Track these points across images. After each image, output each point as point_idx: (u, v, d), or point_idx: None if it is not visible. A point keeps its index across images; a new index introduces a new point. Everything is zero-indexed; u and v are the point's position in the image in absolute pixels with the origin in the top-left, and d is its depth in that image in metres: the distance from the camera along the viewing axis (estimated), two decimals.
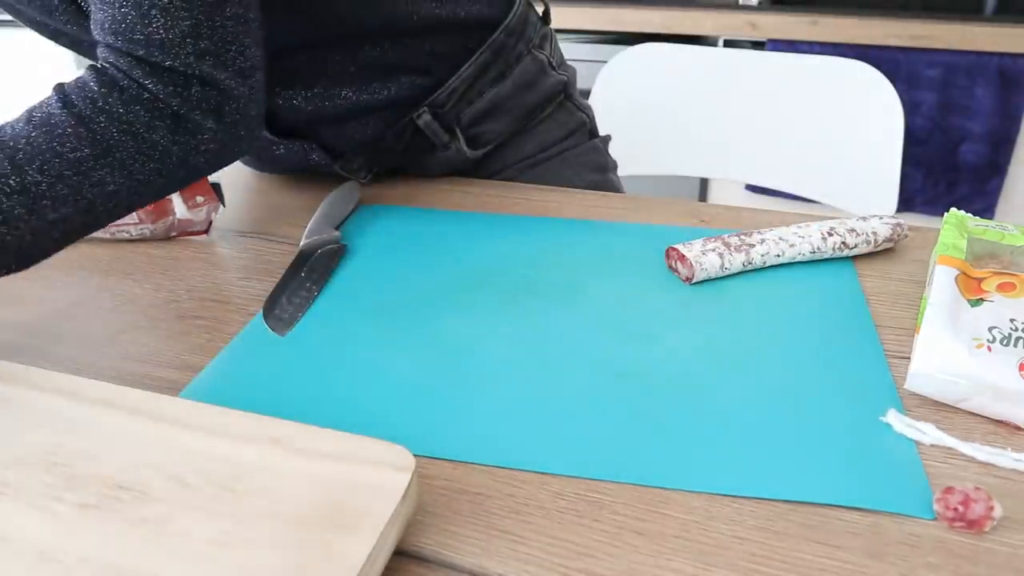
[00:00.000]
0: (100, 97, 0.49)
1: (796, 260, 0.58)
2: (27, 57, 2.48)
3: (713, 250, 0.57)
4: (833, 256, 0.59)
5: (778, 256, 0.58)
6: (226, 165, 0.56)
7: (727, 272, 0.57)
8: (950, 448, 0.41)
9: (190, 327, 0.54)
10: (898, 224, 0.61)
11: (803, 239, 0.58)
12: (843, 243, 0.59)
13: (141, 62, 0.49)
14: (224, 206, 0.67)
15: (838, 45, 1.56)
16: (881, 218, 0.61)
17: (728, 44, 1.66)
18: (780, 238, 0.58)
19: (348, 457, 0.35)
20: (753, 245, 0.58)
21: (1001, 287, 0.47)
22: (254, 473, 0.34)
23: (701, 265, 0.56)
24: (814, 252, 0.58)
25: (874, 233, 0.60)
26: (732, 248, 0.57)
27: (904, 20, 1.52)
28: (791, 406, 0.45)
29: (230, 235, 0.67)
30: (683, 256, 0.57)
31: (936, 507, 0.37)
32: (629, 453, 0.41)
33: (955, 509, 0.37)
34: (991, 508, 0.36)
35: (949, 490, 0.37)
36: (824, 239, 0.58)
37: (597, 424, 0.43)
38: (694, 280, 0.57)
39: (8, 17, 2.58)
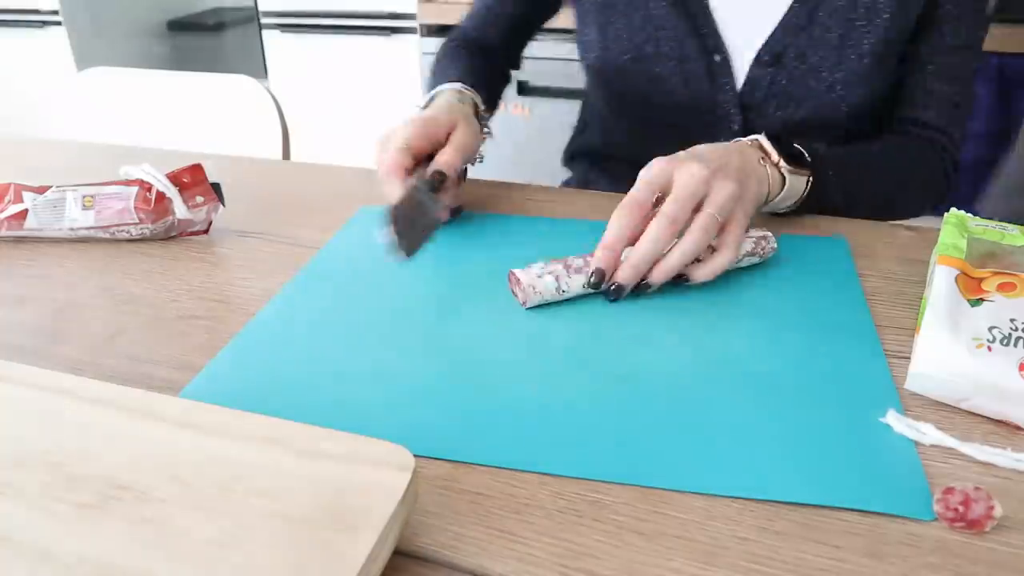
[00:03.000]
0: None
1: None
2: (27, 57, 2.48)
3: (551, 273, 0.53)
4: (688, 285, 0.55)
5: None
6: None
7: (564, 296, 0.54)
8: (950, 448, 0.41)
9: (190, 327, 0.54)
10: (763, 236, 0.58)
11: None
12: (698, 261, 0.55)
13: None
14: (224, 206, 0.67)
15: None
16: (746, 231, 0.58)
17: None
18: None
19: (348, 457, 0.35)
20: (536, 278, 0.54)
21: (1001, 287, 0.47)
22: (254, 473, 0.34)
23: (535, 288, 0.53)
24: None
25: None
26: (572, 270, 0.54)
27: None
28: (791, 406, 0.45)
29: (230, 235, 0.67)
30: (518, 280, 0.54)
31: (936, 507, 0.37)
32: (629, 454, 0.41)
33: (955, 509, 0.37)
34: (991, 508, 0.36)
35: (949, 490, 0.37)
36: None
37: (597, 424, 0.43)
38: (528, 305, 0.54)
39: (8, 17, 2.57)
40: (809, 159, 0.65)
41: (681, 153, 0.57)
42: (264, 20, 2.17)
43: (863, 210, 0.73)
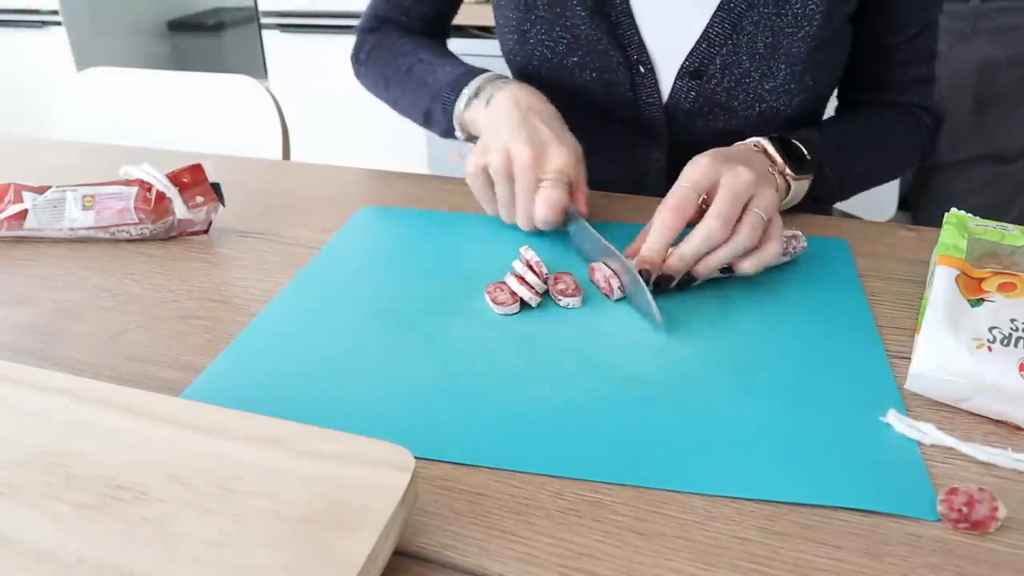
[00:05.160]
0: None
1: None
2: (27, 57, 2.48)
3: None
4: (717, 277, 0.56)
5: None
6: None
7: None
8: (951, 448, 0.41)
9: (190, 327, 0.54)
10: (793, 236, 0.59)
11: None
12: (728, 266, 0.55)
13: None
14: (224, 206, 0.67)
15: None
16: None
17: None
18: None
19: (348, 457, 0.35)
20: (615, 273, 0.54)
21: (1001, 287, 0.47)
22: (254, 473, 0.34)
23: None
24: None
25: None
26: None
27: None
28: (792, 407, 0.45)
29: (230, 235, 0.67)
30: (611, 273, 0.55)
31: (940, 508, 0.37)
32: (630, 455, 0.41)
33: (959, 510, 0.36)
34: (995, 509, 0.36)
35: (953, 491, 0.37)
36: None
37: (598, 425, 0.43)
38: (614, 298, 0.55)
39: (7, 17, 2.57)
40: (809, 157, 0.65)
41: (717, 154, 0.57)
42: (264, 20, 2.17)
43: (853, 190, 0.74)
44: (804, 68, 0.70)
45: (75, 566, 0.31)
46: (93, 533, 0.32)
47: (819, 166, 0.65)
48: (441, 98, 0.71)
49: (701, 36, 0.71)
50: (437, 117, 0.73)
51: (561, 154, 0.60)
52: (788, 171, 0.62)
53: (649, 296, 0.51)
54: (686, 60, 0.72)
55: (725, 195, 0.53)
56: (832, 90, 0.80)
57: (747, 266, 0.55)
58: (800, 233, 0.60)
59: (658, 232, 0.54)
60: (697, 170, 0.55)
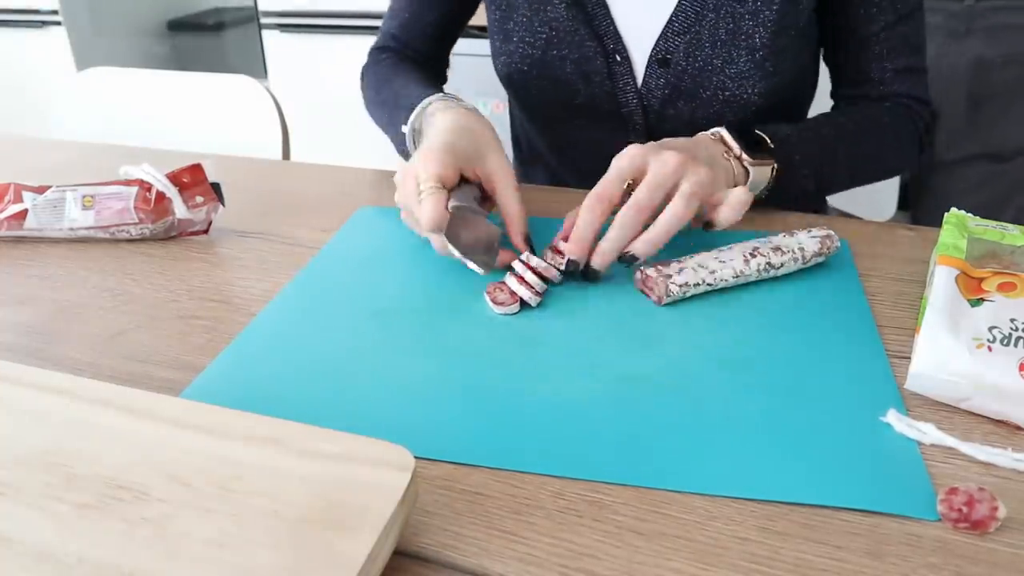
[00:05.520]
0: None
1: (718, 286, 0.55)
2: (27, 57, 2.48)
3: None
4: (760, 278, 0.56)
5: (697, 285, 0.54)
6: None
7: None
8: (951, 448, 0.41)
9: (190, 327, 0.54)
10: (827, 236, 0.58)
11: (724, 264, 0.55)
12: (768, 264, 0.56)
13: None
14: (224, 206, 0.67)
15: None
16: (809, 231, 0.59)
17: None
18: (699, 265, 0.55)
19: (348, 457, 0.35)
20: (670, 276, 0.54)
21: (1001, 287, 0.47)
22: (254, 473, 0.34)
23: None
24: (737, 277, 0.55)
25: (801, 249, 0.57)
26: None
27: None
28: (792, 407, 0.45)
29: (230, 235, 0.67)
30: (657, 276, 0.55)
31: (940, 508, 0.37)
32: (630, 455, 0.41)
33: (959, 510, 0.36)
34: (995, 509, 0.36)
35: (953, 491, 0.37)
36: (747, 262, 0.55)
37: (598, 425, 0.43)
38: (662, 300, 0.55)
39: (7, 17, 2.57)
40: (772, 145, 0.65)
41: (652, 143, 0.58)
42: (264, 20, 2.17)
43: (838, 186, 0.74)
44: (765, 54, 0.71)
45: (75, 566, 0.31)
46: (93, 533, 0.32)
47: (787, 157, 0.66)
48: (396, 133, 0.72)
49: (667, 24, 0.72)
50: (399, 147, 0.73)
51: (424, 163, 0.57)
52: (745, 156, 0.62)
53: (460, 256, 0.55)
54: (654, 48, 0.73)
55: (646, 182, 0.55)
56: (804, 83, 0.80)
57: (724, 217, 0.57)
58: (833, 233, 0.59)
59: (582, 222, 0.55)
60: (624, 159, 0.56)
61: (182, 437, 0.37)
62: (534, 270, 0.54)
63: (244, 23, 2.39)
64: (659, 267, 0.55)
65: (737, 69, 0.71)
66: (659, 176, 0.54)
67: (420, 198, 0.56)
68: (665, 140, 0.59)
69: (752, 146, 0.64)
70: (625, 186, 0.56)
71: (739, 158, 0.63)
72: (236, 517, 0.32)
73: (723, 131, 0.64)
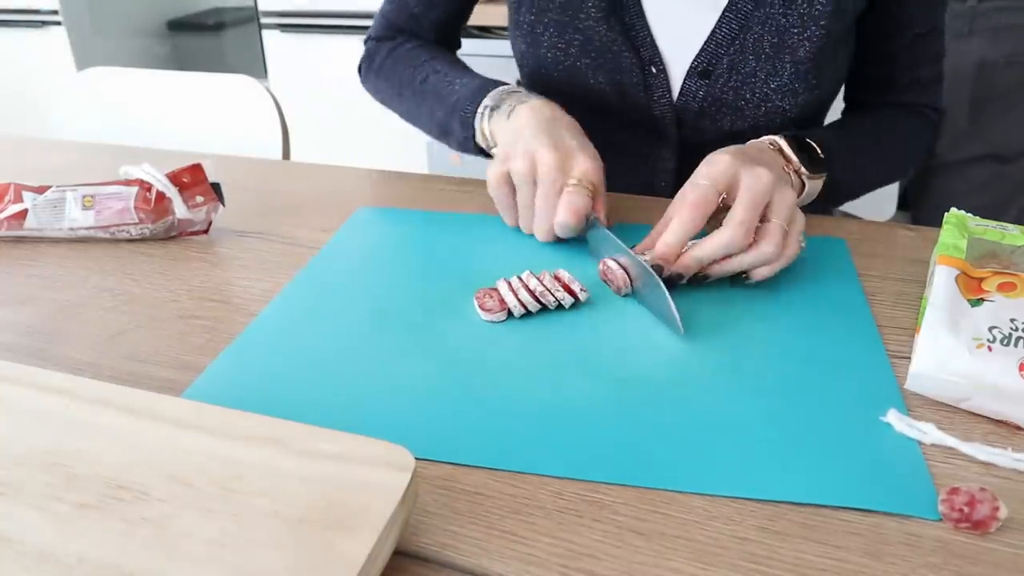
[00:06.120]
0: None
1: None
2: (27, 57, 2.48)
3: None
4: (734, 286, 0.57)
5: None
6: None
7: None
8: (951, 448, 0.41)
9: (190, 327, 0.54)
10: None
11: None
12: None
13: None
14: (224, 206, 0.67)
15: None
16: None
17: None
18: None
19: (348, 457, 0.35)
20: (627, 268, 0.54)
21: (1001, 287, 0.47)
22: (254, 473, 0.34)
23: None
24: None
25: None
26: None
27: None
28: (792, 406, 0.45)
29: (230, 235, 0.67)
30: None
31: (941, 508, 0.37)
32: (629, 455, 0.41)
33: (960, 510, 0.36)
34: (996, 509, 0.36)
35: (954, 491, 0.37)
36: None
37: (598, 425, 0.43)
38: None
39: (7, 17, 2.57)
40: (822, 155, 0.65)
41: (736, 152, 0.57)
42: (264, 20, 2.17)
43: (862, 191, 0.74)
44: (809, 68, 0.70)
45: (75, 566, 0.31)
46: (93, 533, 0.32)
47: (831, 166, 0.66)
48: (460, 110, 0.70)
49: (710, 36, 0.72)
50: (454, 129, 0.72)
51: (585, 160, 0.60)
52: (803, 170, 0.62)
53: (671, 302, 0.50)
54: (695, 60, 0.73)
55: (746, 199, 0.53)
56: (836, 91, 0.80)
57: (765, 272, 0.55)
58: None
59: (677, 228, 0.54)
60: (716, 168, 0.55)
61: (182, 437, 0.37)
62: (530, 291, 0.54)
63: (244, 23, 2.39)
64: (619, 259, 0.55)
65: (780, 81, 0.71)
66: (758, 194, 0.53)
67: (567, 190, 0.58)
68: (736, 148, 0.58)
69: (805, 155, 0.63)
70: (720, 199, 0.55)
71: (798, 172, 0.62)
72: (237, 517, 0.32)
73: (781, 141, 0.63)
